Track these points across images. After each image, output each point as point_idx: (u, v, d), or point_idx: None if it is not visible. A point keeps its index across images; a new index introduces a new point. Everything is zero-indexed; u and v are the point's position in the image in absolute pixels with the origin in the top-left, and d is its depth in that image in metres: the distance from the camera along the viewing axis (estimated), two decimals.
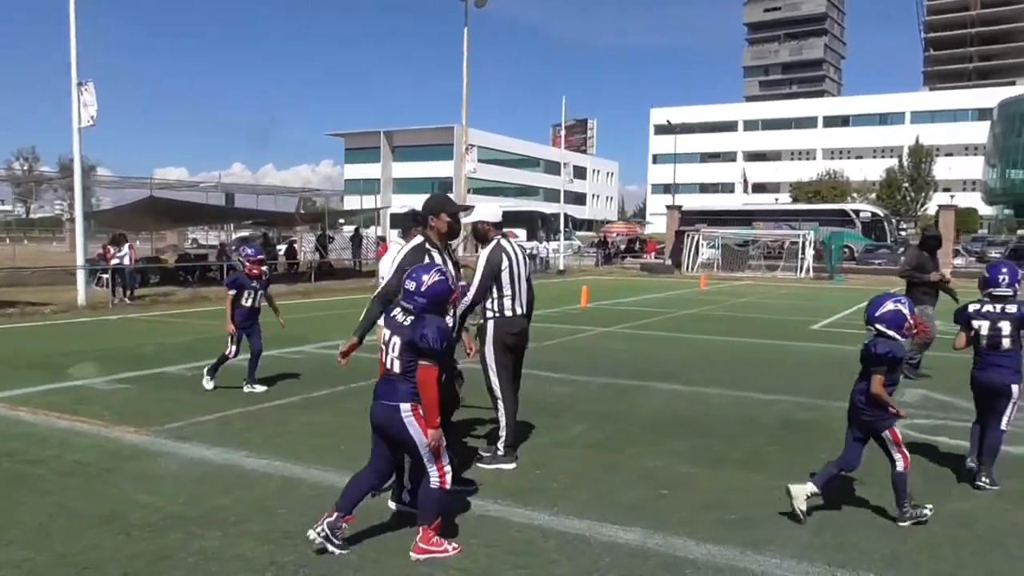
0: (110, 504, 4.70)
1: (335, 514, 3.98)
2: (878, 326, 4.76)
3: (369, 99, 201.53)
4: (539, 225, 42.05)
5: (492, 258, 5.33)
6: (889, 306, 4.78)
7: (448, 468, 4.02)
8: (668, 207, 42.13)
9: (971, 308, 5.48)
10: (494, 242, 5.44)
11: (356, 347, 4.51)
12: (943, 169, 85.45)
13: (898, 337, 4.73)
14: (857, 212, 44.10)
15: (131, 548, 4.06)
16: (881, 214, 44.57)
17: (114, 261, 17.68)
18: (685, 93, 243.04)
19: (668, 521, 4.55)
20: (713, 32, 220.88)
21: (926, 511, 4.59)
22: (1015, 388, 5.26)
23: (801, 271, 32.46)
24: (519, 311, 5.53)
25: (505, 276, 5.38)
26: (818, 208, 47.20)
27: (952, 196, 74.42)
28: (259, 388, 7.95)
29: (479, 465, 5.48)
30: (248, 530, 4.31)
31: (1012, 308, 5.32)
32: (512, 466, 5.45)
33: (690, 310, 17.97)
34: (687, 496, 5.04)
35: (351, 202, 54.63)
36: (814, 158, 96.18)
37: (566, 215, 45.61)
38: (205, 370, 8.12)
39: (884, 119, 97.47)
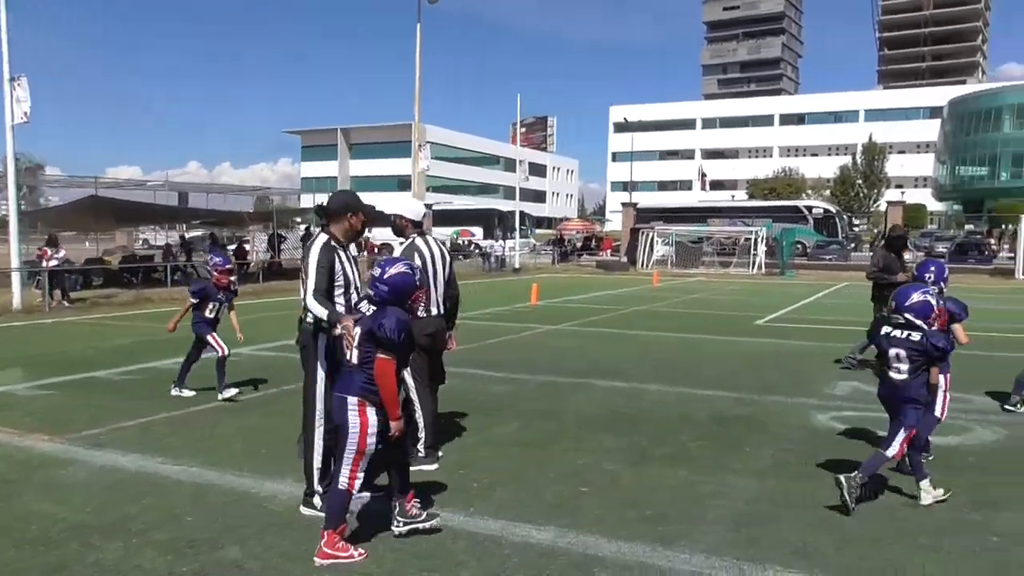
0: (8, 516, 4.53)
1: (398, 498, 4.15)
2: (908, 316, 4.82)
3: (329, 96, 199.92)
4: (496, 223, 41.97)
5: (405, 256, 5.25)
6: (917, 297, 4.86)
7: (361, 475, 3.96)
8: (623, 204, 42.36)
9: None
10: (409, 240, 5.37)
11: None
12: (895, 166, 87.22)
13: (925, 327, 4.79)
14: (810, 208, 44.79)
15: (21, 561, 3.90)
16: (833, 210, 45.33)
17: (52, 262, 17.22)
18: (645, 91, 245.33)
19: (584, 520, 4.51)
20: (673, 30, 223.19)
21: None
22: (941, 379, 5.29)
23: (753, 267, 32.86)
24: (433, 311, 5.46)
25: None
26: (772, 205, 47.88)
27: (903, 192, 76.03)
28: (187, 393, 7.76)
29: None
30: (151, 539, 4.17)
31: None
32: (434, 467, 5.37)
33: (640, 307, 18.05)
34: (608, 494, 5.02)
35: (308, 201, 54.11)
36: (771, 155, 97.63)
37: (524, 213, 45.65)
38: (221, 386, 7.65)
39: (839, 117, 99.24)
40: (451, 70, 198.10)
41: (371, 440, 3.93)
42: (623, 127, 78.25)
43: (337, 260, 4.46)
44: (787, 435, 6.55)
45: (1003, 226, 45.67)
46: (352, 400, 3.91)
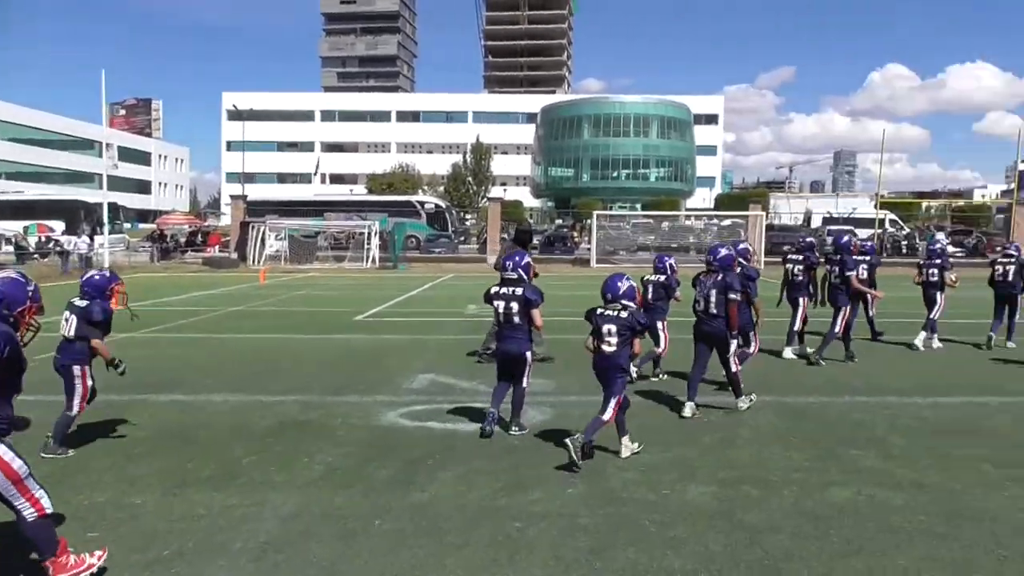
0: None
1: None
2: (624, 302, 5.74)
3: None
4: (82, 216, 37.03)
5: None
6: (626, 284, 5.82)
7: (41, 493, 3.65)
8: (232, 197, 40.22)
9: (492, 290, 6.45)
10: None
11: None
12: (500, 165, 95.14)
13: (633, 305, 5.76)
14: (422, 203, 46.76)
15: None
16: (443, 205, 47.87)
17: None
18: (264, 78, 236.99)
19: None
20: (293, 18, 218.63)
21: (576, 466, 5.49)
22: (529, 355, 6.39)
23: (367, 261, 33.27)
24: None
25: None
26: (387, 200, 49.14)
27: (505, 190, 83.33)
28: None
29: None
30: None
31: (519, 291, 6.33)
32: None
33: (238, 307, 17.04)
34: (120, 535, 4.31)
35: None
36: (389, 151, 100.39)
37: (119, 205, 41.02)
38: None
39: (450, 117, 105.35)
40: (36, 42, 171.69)
41: None
42: (236, 115, 74.43)
43: None
44: (348, 438, 6.37)
45: (584, 221, 52.37)
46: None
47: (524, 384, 6.44)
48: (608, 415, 5.63)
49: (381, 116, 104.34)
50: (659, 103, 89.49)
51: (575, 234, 48.10)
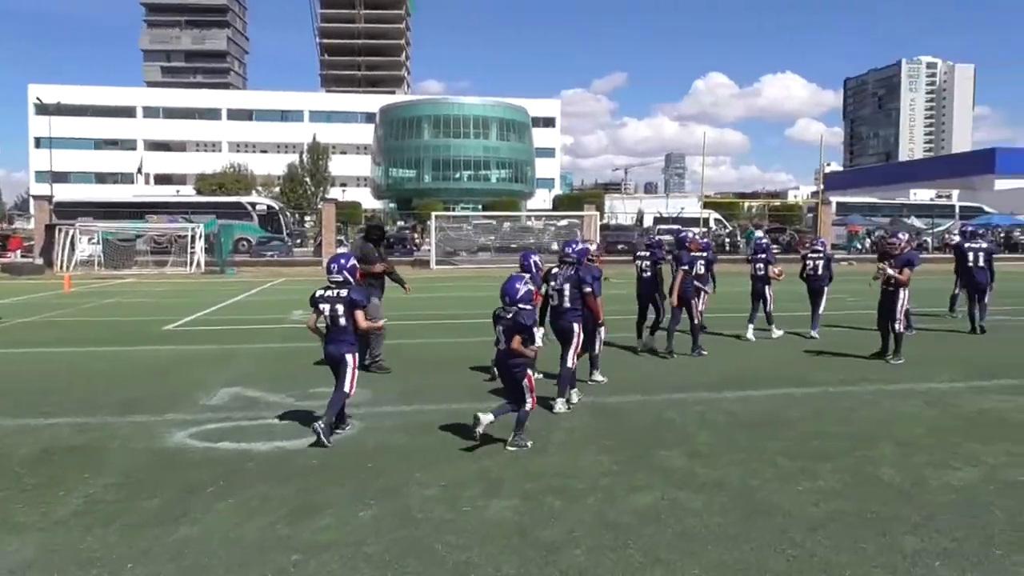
0: None
1: None
2: (520, 306, 6.00)
3: None
4: None
5: None
6: (523, 288, 6.04)
7: None
8: (34, 198, 36.70)
9: (318, 293, 6.37)
10: None
11: None
12: (340, 166, 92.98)
13: (528, 307, 6.05)
14: (253, 205, 44.68)
15: None
16: (276, 207, 45.94)
17: None
18: (77, 71, 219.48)
19: None
20: (110, 7, 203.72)
21: (527, 444, 6.01)
22: (348, 357, 6.26)
23: (191, 266, 31.27)
24: None
25: None
26: (215, 201, 46.59)
27: (344, 190, 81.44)
28: None
29: None
30: None
31: (344, 292, 6.29)
32: None
33: (33, 317, 15.34)
34: None
35: None
36: (220, 150, 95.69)
37: None
38: None
39: (286, 116, 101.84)
40: None
41: None
42: (43, 109, 68.25)
43: None
44: (121, 465, 5.65)
45: (425, 222, 51.92)
46: None
47: (345, 388, 6.26)
48: (529, 404, 6.03)
49: (211, 114, 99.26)
50: (498, 105, 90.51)
51: (416, 235, 47.56)
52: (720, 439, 6.23)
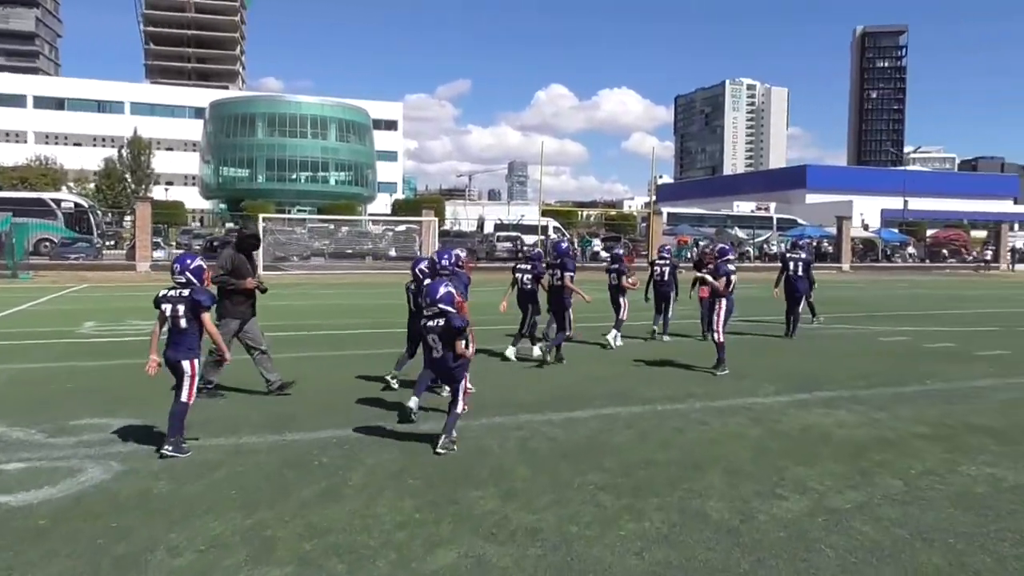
0: None
1: None
2: (442, 306, 6.08)
3: None
4: None
5: None
6: (443, 290, 6.14)
7: None
8: None
9: (161, 293, 6.04)
10: None
11: None
12: (165, 162, 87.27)
13: (452, 310, 6.08)
14: (58, 202, 40.49)
15: None
16: (85, 205, 41.89)
17: None
18: None
19: None
20: None
21: (455, 448, 6.32)
22: (186, 364, 5.92)
23: None
24: None
25: None
26: (13, 197, 41.80)
27: (167, 189, 76.42)
28: None
29: None
30: None
31: (186, 293, 5.99)
32: None
33: None
34: None
35: None
36: (25, 141, 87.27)
37: None
38: None
39: (103, 107, 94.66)
40: None
41: None
42: None
43: None
44: None
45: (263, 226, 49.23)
46: None
47: (183, 398, 5.95)
48: (460, 407, 6.24)
49: (15, 100, 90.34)
50: (337, 105, 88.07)
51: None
52: (540, 472, 5.59)
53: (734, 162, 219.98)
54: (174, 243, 47.49)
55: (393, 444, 6.31)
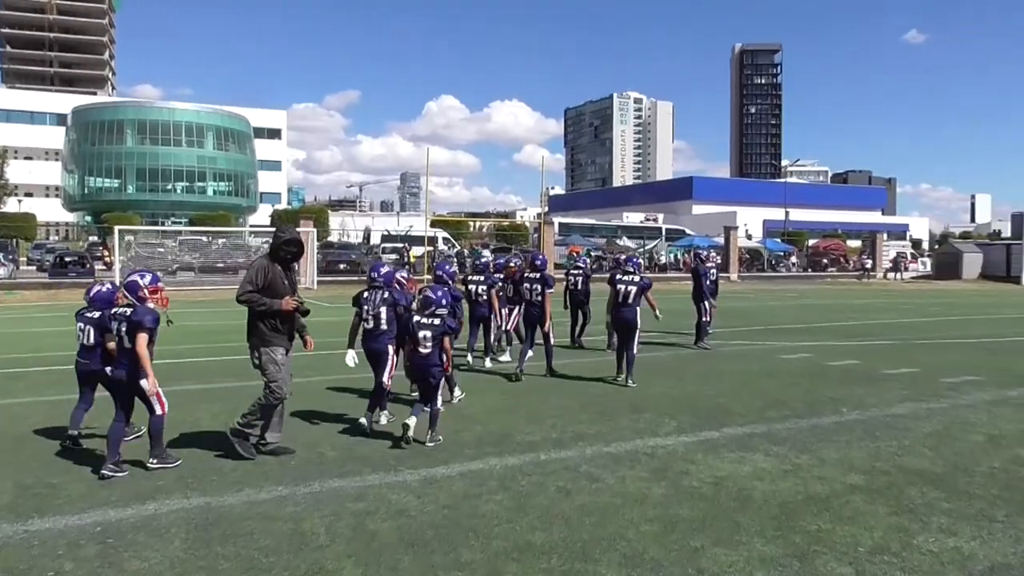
0: None
1: None
2: (439, 309, 6.84)
3: None
4: None
5: None
6: (441, 293, 6.98)
7: None
8: None
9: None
10: None
11: None
12: (22, 173, 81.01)
13: (444, 311, 6.92)
14: None
15: None
16: None
17: None
18: None
19: None
20: None
21: (441, 439, 6.72)
22: (144, 383, 5.73)
23: None
24: None
25: None
26: None
27: (20, 201, 70.41)
28: None
29: None
30: None
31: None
32: None
33: None
34: None
35: None
36: None
37: None
38: None
39: None
40: None
41: None
42: None
43: None
44: None
45: (126, 238, 45.36)
46: None
47: (156, 411, 5.86)
48: (439, 404, 6.75)
49: None
50: (214, 112, 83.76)
51: (107, 252, 41.19)
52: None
53: (623, 174, 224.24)
54: (24, 258, 43.18)
55: (182, 525, 4.58)
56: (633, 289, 9.64)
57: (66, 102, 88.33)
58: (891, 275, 46.93)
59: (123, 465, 5.76)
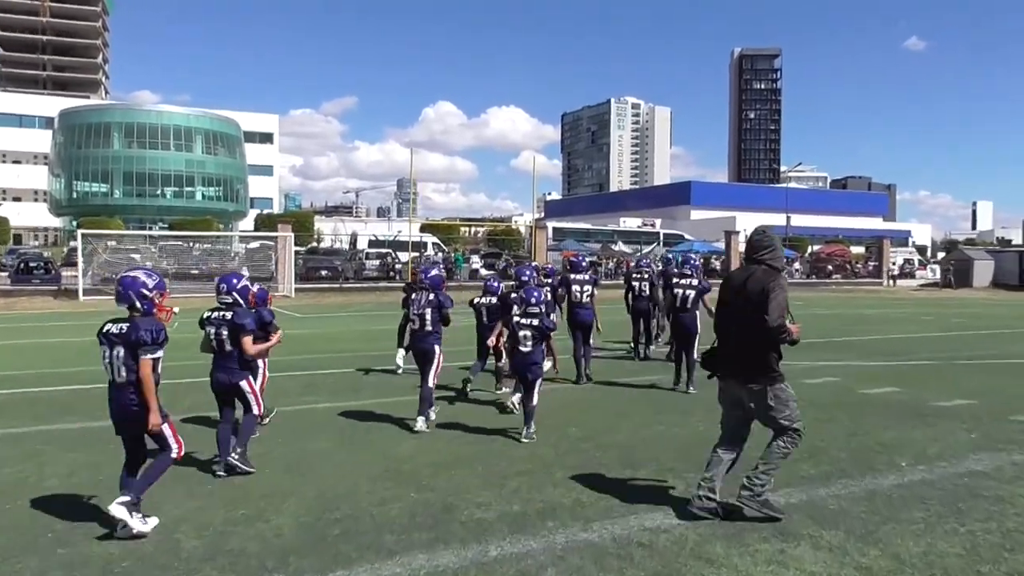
0: None
1: None
2: (535, 309, 7.17)
3: None
4: None
5: None
6: (540, 293, 7.38)
7: None
8: None
9: (205, 315, 5.96)
10: None
11: None
12: (11, 176, 79.64)
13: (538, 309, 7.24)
14: None
15: None
16: None
17: None
18: None
19: None
20: None
21: (534, 436, 6.85)
22: (244, 384, 5.90)
23: None
24: None
25: None
26: None
27: (0, 204, 68.65)
28: None
29: None
30: None
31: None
32: None
33: None
34: None
35: None
36: None
37: None
38: None
39: None
40: None
41: None
42: None
43: None
44: None
45: (106, 244, 43.58)
46: None
47: (253, 411, 5.97)
48: (535, 399, 7.00)
49: None
50: (203, 116, 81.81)
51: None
52: None
53: (620, 179, 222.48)
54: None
55: None
56: (692, 293, 9.46)
57: (56, 106, 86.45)
58: (899, 282, 45.11)
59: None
